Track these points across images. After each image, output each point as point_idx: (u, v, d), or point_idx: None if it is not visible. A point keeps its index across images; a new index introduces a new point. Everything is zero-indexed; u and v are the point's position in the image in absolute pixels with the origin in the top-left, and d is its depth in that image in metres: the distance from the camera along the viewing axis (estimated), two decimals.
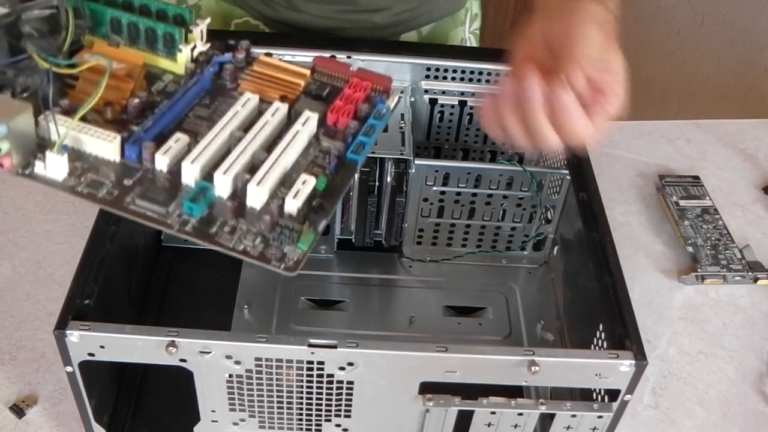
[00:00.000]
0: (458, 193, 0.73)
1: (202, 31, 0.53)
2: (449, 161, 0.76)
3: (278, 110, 0.50)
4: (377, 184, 0.73)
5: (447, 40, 0.91)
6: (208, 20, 0.54)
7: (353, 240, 0.77)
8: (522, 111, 0.54)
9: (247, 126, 0.49)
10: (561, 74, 0.53)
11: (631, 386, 0.54)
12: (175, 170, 0.46)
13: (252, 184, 0.45)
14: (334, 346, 0.52)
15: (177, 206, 0.45)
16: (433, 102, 0.81)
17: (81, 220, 0.80)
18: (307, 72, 0.54)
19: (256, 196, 0.45)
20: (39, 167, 0.46)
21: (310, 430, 0.59)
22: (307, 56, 0.78)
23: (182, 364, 0.53)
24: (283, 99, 0.51)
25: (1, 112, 0.45)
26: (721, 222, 0.86)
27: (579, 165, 0.70)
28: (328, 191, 0.47)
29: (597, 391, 0.59)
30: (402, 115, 0.76)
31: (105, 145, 0.47)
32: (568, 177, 0.71)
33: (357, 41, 0.80)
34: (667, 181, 0.91)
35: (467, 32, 0.94)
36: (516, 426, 0.56)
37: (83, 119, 0.47)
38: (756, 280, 0.81)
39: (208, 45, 0.54)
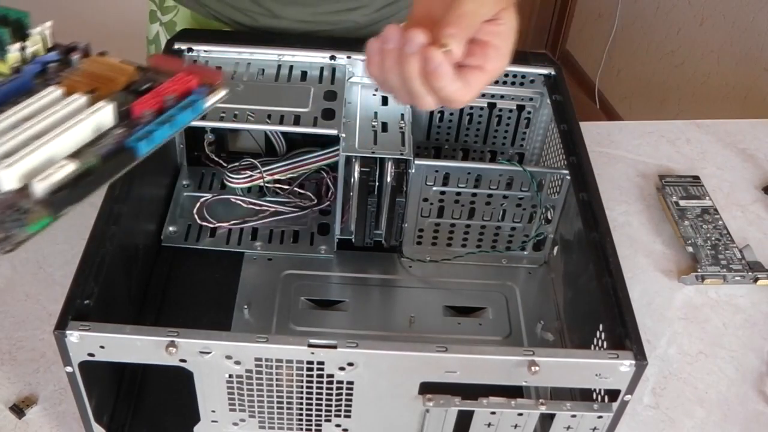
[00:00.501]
0: (458, 193, 0.73)
1: (45, 36, 0.52)
2: (449, 161, 0.76)
3: (75, 101, 0.47)
4: (377, 184, 0.73)
5: None
6: (50, 23, 0.52)
7: (353, 240, 0.77)
8: (400, 68, 0.52)
9: (32, 116, 0.46)
10: (439, 33, 0.51)
11: (631, 386, 0.54)
12: None
13: (2, 165, 0.42)
14: (334, 347, 0.52)
15: None
16: None
17: (81, 220, 0.80)
18: (132, 68, 0.51)
19: (6, 179, 0.42)
20: None
21: (310, 430, 0.59)
22: (306, 56, 0.78)
23: (182, 364, 0.53)
24: (92, 92, 0.48)
25: None
26: (721, 222, 0.86)
27: (579, 165, 0.70)
28: (90, 175, 0.44)
29: (597, 391, 0.59)
30: (402, 115, 0.76)
31: None
32: (568, 177, 0.71)
33: (357, 41, 0.80)
34: (667, 181, 0.91)
35: None
36: (516, 426, 0.56)
37: None
38: (756, 280, 0.81)
39: (40, 45, 0.52)
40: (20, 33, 0.51)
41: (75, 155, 0.45)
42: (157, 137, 0.47)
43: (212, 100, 0.51)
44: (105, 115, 0.47)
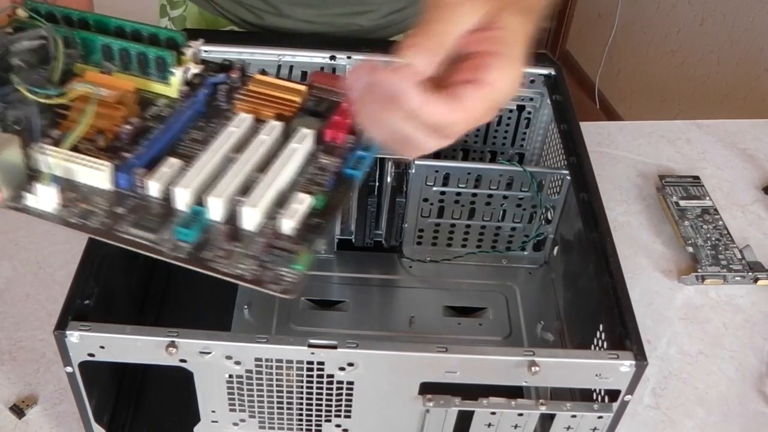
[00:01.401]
0: (458, 194, 0.73)
1: (195, 53, 0.52)
2: (449, 161, 0.76)
3: (274, 129, 0.49)
4: (377, 184, 0.73)
5: None
6: (201, 41, 0.53)
7: (353, 240, 0.77)
8: (372, 108, 0.44)
9: (241, 147, 0.48)
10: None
11: (632, 386, 0.54)
12: (169, 196, 0.46)
13: (246, 206, 0.44)
14: (334, 347, 0.52)
15: (170, 232, 0.44)
16: None
17: None
18: (304, 88, 0.52)
19: (251, 218, 0.44)
20: (30, 199, 0.46)
21: (310, 430, 0.59)
22: (307, 56, 0.78)
23: (182, 365, 0.53)
24: (278, 117, 0.50)
25: None
26: (721, 222, 0.86)
27: (579, 165, 0.70)
28: (325, 209, 0.46)
29: (597, 391, 0.59)
30: None
31: (96, 174, 0.46)
32: (568, 177, 0.71)
33: (357, 41, 0.80)
34: (667, 181, 0.91)
35: None
36: (516, 426, 0.56)
37: (75, 149, 0.47)
38: (756, 280, 0.81)
39: (202, 67, 0.53)
40: (177, 53, 0.52)
41: (293, 187, 0.47)
42: (366, 162, 0.49)
43: None
44: (309, 142, 0.49)
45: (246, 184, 0.46)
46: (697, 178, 0.91)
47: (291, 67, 0.78)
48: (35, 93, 0.48)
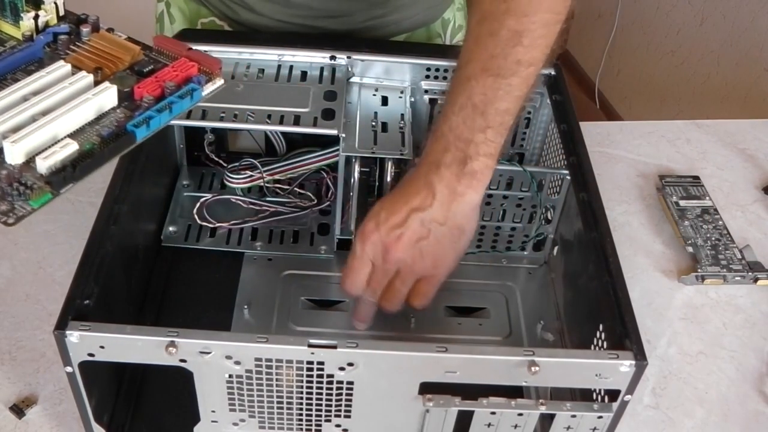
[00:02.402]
0: None
1: (56, 5, 0.52)
2: None
3: (81, 80, 0.48)
4: (377, 184, 0.73)
5: None
6: None
7: (353, 240, 0.77)
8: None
9: (42, 91, 0.47)
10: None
11: (631, 386, 0.54)
12: None
13: (7, 141, 0.43)
14: (334, 347, 0.52)
15: None
16: (433, 102, 0.81)
17: (81, 220, 0.80)
18: (138, 49, 0.52)
19: (11, 154, 0.43)
20: None
21: (310, 430, 0.58)
22: (306, 56, 0.78)
23: (182, 365, 0.53)
24: (97, 70, 0.50)
25: None
26: (721, 222, 0.86)
27: (579, 165, 0.70)
28: (89, 157, 0.45)
29: (597, 391, 0.59)
30: (402, 115, 0.76)
31: None
32: (568, 177, 0.71)
33: (357, 41, 0.80)
34: (667, 181, 0.91)
35: (448, 44, 0.94)
36: (516, 426, 0.56)
37: None
38: (756, 280, 0.81)
39: (52, 16, 0.53)
40: (34, 0, 0.52)
41: (77, 134, 0.46)
42: (154, 124, 0.48)
43: (209, 89, 0.52)
44: (108, 96, 0.48)
45: (26, 124, 0.45)
46: (697, 178, 0.91)
47: (291, 67, 0.78)
48: None
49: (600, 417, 0.56)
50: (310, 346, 0.52)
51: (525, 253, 0.78)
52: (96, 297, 0.56)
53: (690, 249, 0.82)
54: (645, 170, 0.94)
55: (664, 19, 2.07)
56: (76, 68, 0.50)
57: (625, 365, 0.53)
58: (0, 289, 0.74)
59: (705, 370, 0.73)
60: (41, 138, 0.45)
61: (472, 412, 0.55)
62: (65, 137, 0.45)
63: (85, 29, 0.53)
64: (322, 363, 0.53)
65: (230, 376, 0.54)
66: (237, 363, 0.53)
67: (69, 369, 0.53)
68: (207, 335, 0.52)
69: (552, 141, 0.78)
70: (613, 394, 0.56)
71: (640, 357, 0.53)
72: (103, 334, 0.52)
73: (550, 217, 0.75)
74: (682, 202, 0.88)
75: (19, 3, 0.52)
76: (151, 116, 0.47)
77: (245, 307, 0.71)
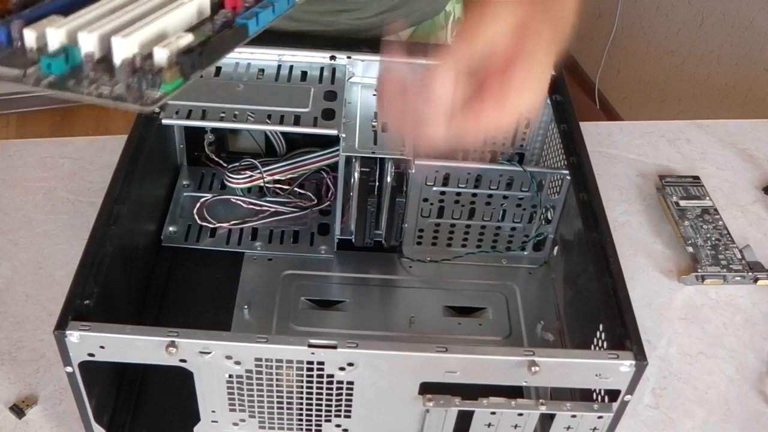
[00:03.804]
0: (458, 194, 0.73)
1: None
2: (449, 161, 0.76)
3: None
4: (377, 184, 0.73)
5: None
6: None
7: (353, 240, 0.77)
8: None
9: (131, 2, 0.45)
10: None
11: (632, 386, 0.54)
12: (45, 46, 0.43)
13: (117, 36, 0.41)
14: (334, 347, 0.52)
15: (37, 67, 0.42)
16: None
17: (81, 220, 0.81)
18: None
19: (122, 49, 0.42)
20: None
21: (310, 430, 0.59)
22: (306, 56, 0.78)
23: (182, 365, 0.53)
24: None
25: None
26: (721, 222, 0.86)
27: (579, 165, 0.70)
28: (208, 46, 0.43)
29: (597, 391, 0.59)
30: None
31: None
32: (568, 177, 0.71)
33: (357, 41, 0.80)
34: (667, 181, 0.91)
35: (449, 37, 0.94)
36: (516, 426, 0.56)
37: None
38: (756, 280, 0.81)
39: None
40: None
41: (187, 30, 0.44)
42: (263, 19, 0.47)
43: None
44: (203, 2, 0.46)
45: (125, 26, 0.43)
46: (697, 178, 0.91)
47: (291, 67, 0.78)
48: None
49: (600, 417, 0.56)
50: (310, 346, 0.52)
51: (525, 253, 0.78)
52: (96, 297, 0.56)
53: (690, 249, 0.82)
54: (645, 170, 0.94)
55: (664, 19, 2.07)
56: None
57: (625, 365, 0.53)
58: (0, 289, 0.74)
59: (705, 370, 0.73)
60: (151, 32, 0.43)
61: (472, 412, 0.55)
62: (180, 34, 0.43)
63: None
64: (322, 363, 0.53)
65: (230, 376, 0.54)
66: (237, 363, 0.53)
67: (69, 369, 0.53)
68: (207, 335, 0.52)
69: (552, 141, 0.78)
70: (613, 394, 0.56)
71: (640, 357, 0.53)
72: (103, 334, 0.52)
73: (550, 217, 0.75)
74: (682, 202, 0.88)
75: None
76: (258, 11, 0.46)
77: (245, 307, 0.71)
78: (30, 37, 0.43)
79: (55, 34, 0.42)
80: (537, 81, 0.54)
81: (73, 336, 0.51)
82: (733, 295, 0.80)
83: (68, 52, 0.42)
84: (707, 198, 0.89)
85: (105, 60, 0.42)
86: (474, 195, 0.73)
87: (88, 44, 0.42)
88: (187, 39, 0.43)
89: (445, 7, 0.91)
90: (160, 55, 0.42)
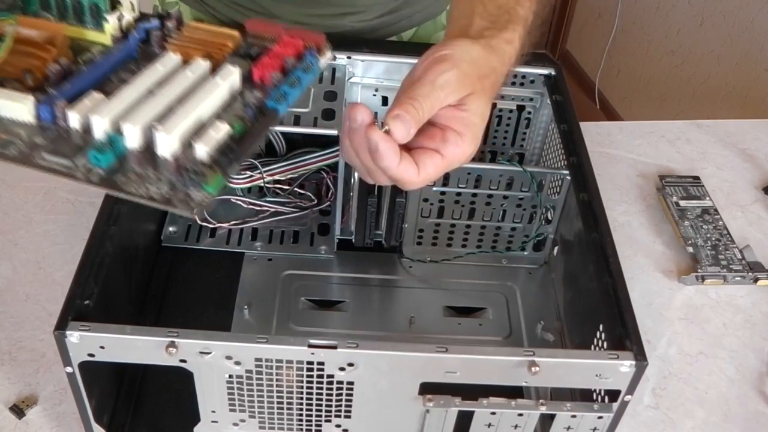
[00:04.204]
0: (458, 194, 0.73)
1: (132, 2, 0.52)
2: None
3: (200, 67, 0.48)
4: (377, 184, 0.73)
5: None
6: None
7: (353, 240, 0.77)
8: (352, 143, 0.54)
9: (164, 82, 0.47)
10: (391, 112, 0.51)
11: (632, 387, 0.54)
12: (88, 127, 0.45)
13: (160, 131, 0.43)
14: (334, 347, 0.52)
15: (85, 158, 0.44)
16: None
17: (81, 220, 0.80)
18: (237, 34, 0.52)
19: (165, 144, 0.43)
20: None
21: (310, 430, 0.59)
22: None
23: (182, 365, 0.53)
24: (207, 58, 0.49)
25: None
26: (721, 222, 0.86)
27: (579, 165, 0.70)
28: (243, 137, 0.45)
29: (597, 391, 0.59)
30: None
31: (18, 107, 0.45)
32: (568, 177, 0.71)
33: (357, 41, 0.80)
34: (667, 181, 0.91)
35: None
36: (516, 426, 0.56)
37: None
38: (756, 280, 0.81)
39: (136, 15, 0.52)
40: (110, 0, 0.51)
41: (219, 118, 0.46)
42: (291, 98, 0.48)
43: (323, 61, 0.52)
44: (235, 79, 0.48)
45: (165, 114, 0.45)
46: (697, 178, 0.91)
47: None
48: None
49: (600, 417, 0.56)
50: (310, 346, 0.52)
51: (525, 253, 0.78)
52: (96, 297, 0.56)
53: (690, 249, 0.82)
54: (645, 170, 0.94)
55: (664, 19, 2.07)
56: (185, 60, 0.49)
57: (625, 365, 0.53)
58: (0, 289, 0.74)
59: (705, 371, 0.73)
60: (188, 124, 0.45)
61: (472, 413, 0.55)
62: (215, 122, 0.45)
63: (169, 23, 0.52)
64: (322, 363, 0.53)
65: (230, 376, 0.54)
66: (237, 363, 0.53)
67: (69, 369, 0.53)
68: (207, 335, 0.52)
69: (552, 141, 0.79)
70: (613, 395, 0.56)
71: (641, 357, 0.53)
72: (103, 334, 0.52)
73: (550, 218, 0.75)
74: (682, 203, 0.88)
75: (102, 4, 0.50)
76: (286, 91, 0.48)
77: (245, 307, 0.71)
78: (74, 119, 0.45)
79: (99, 122, 0.44)
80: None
81: (73, 336, 0.51)
82: (733, 295, 0.80)
83: (114, 143, 0.43)
84: (707, 198, 0.89)
85: (148, 149, 0.44)
86: (474, 195, 0.73)
87: (133, 137, 0.44)
88: (224, 131, 0.44)
89: (446, 8, 0.91)
90: (201, 152, 0.43)
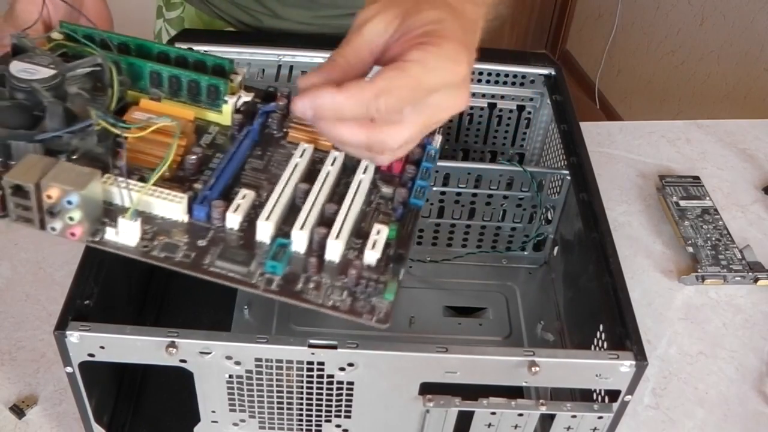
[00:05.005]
0: (458, 194, 0.73)
1: (241, 81, 0.53)
2: (449, 161, 0.76)
3: (336, 159, 0.51)
4: None
5: None
6: (245, 70, 0.53)
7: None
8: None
9: (307, 177, 0.50)
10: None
11: (632, 387, 0.54)
12: (245, 227, 0.47)
13: (330, 239, 0.46)
14: (334, 347, 0.52)
15: (258, 265, 0.45)
16: None
17: None
18: None
19: (335, 250, 0.46)
20: (110, 233, 0.45)
21: (311, 430, 0.58)
22: (307, 56, 0.78)
23: (182, 365, 0.53)
24: (336, 147, 0.51)
25: (69, 179, 0.43)
26: (721, 222, 0.86)
27: (579, 165, 0.70)
28: (398, 238, 0.48)
29: (597, 391, 0.59)
30: None
31: (172, 207, 0.46)
32: (568, 177, 0.71)
33: None
34: (667, 181, 0.91)
35: None
36: (516, 426, 0.56)
37: (141, 180, 0.47)
38: (756, 280, 0.81)
39: (252, 94, 0.53)
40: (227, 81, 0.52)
41: (374, 218, 0.49)
42: (426, 191, 0.52)
43: (437, 144, 0.54)
44: (371, 172, 0.51)
45: (321, 215, 0.48)
46: (697, 178, 0.91)
47: (291, 67, 0.78)
48: (116, 126, 0.47)
49: (600, 417, 0.56)
50: (311, 346, 0.52)
51: (525, 253, 0.78)
52: (96, 297, 0.56)
53: (690, 249, 0.82)
54: (645, 170, 0.94)
55: (664, 19, 2.07)
56: (317, 148, 0.52)
57: (626, 365, 0.53)
58: (0, 289, 0.74)
59: (705, 371, 0.73)
60: (349, 228, 0.47)
61: (472, 413, 0.55)
62: (376, 225, 0.48)
63: (281, 102, 0.54)
64: (322, 363, 0.53)
65: (230, 376, 0.54)
66: (237, 363, 0.53)
67: (69, 369, 0.53)
68: (207, 335, 0.52)
69: (552, 141, 0.79)
70: (613, 395, 0.56)
71: (641, 357, 0.53)
72: (103, 334, 0.51)
73: (550, 218, 0.75)
74: (682, 202, 0.88)
75: (222, 86, 0.51)
76: (423, 186, 0.51)
77: (245, 307, 0.71)
78: (234, 221, 0.46)
79: (266, 227, 0.46)
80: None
81: (73, 336, 0.51)
82: (733, 295, 0.80)
83: (285, 250, 0.45)
84: (707, 198, 0.89)
85: (311, 253, 0.46)
86: (474, 195, 0.73)
87: (302, 242, 0.46)
88: (384, 233, 0.47)
89: None
90: (371, 258, 0.46)
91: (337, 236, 0.46)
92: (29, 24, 0.52)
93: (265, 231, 0.46)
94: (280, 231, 0.47)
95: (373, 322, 0.44)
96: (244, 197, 0.47)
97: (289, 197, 0.48)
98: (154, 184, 0.46)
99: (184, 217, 0.47)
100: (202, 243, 0.46)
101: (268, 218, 0.46)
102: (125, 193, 0.45)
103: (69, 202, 0.43)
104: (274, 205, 0.47)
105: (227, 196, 0.48)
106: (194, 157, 0.49)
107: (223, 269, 0.45)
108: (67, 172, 0.43)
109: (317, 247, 0.47)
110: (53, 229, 0.44)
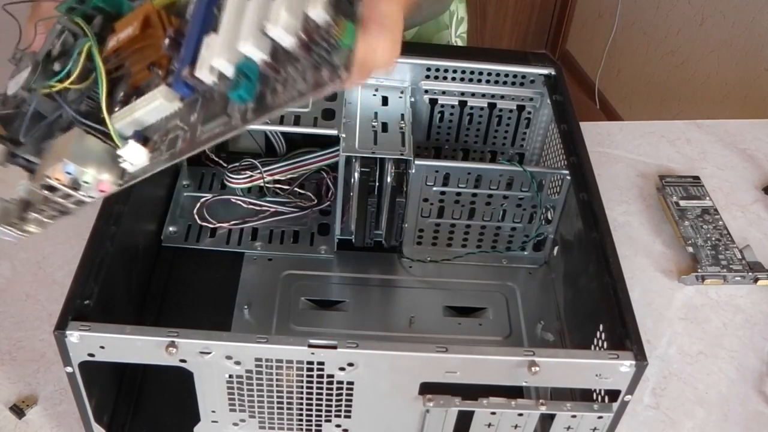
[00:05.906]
0: (458, 194, 0.73)
1: None
2: (449, 161, 0.76)
3: None
4: (377, 184, 0.73)
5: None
6: None
7: (353, 240, 0.77)
8: None
9: None
10: None
11: (632, 387, 0.54)
12: (221, 74, 0.43)
13: (271, 25, 0.40)
14: (334, 347, 0.52)
15: (233, 104, 0.43)
16: (433, 102, 0.81)
17: (81, 220, 0.80)
18: None
19: (283, 35, 0.40)
20: (128, 167, 0.45)
21: (310, 430, 0.59)
22: None
23: (182, 365, 0.53)
24: None
25: (55, 155, 0.44)
26: (721, 222, 0.86)
27: (579, 165, 0.70)
28: None
29: (597, 391, 0.59)
30: (402, 115, 0.76)
31: (158, 103, 0.45)
32: (568, 177, 0.71)
33: None
34: (667, 181, 0.91)
35: (453, 36, 0.94)
36: (516, 426, 0.56)
37: (140, 94, 0.45)
38: (756, 280, 0.81)
39: None
40: None
41: None
42: None
43: None
44: None
45: (266, 11, 0.42)
46: (697, 178, 0.91)
47: None
48: (52, 85, 0.46)
49: (600, 417, 0.56)
50: (310, 346, 0.52)
51: (525, 253, 0.78)
52: (96, 297, 0.56)
53: (690, 249, 0.82)
54: (645, 170, 0.94)
55: (664, 19, 2.07)
56: None
57: (625, 365, 0.53)
58: (0, 289, 0.74)
59: (705, 371, 0.73)
60: (284, 5, 0.41)
61: (472, 413, 0.55)
62: None
63: None
64: (322, 363, 0.53)
65: (230, 376, 0.54)
66: (237, 363, 0.53)
67: (69, 369, 0.53)
68: (207, 335, 0.52)
69: (552, 141, 0.79)
70: (613, 395, 0.56)
71: (641, 357, 0.53)
72: (103, 334, 0.52)
73: (550, 218, 0.75)
74: (682, 202, 0.88)
75: None
76: None
77: (245, 307, 0.71)
78: (205, 76, 0.43)
79: (222, 63, 0.42)
80: None
81: (73, 336, 0.51)
82: (733, 295, 0.80)
83: (247, 70, 0.41)
84: (707, 198, 0.89)
85: (276, 56, 0.41)
86: (474, 195, 0.73)
87: (256, 52, 0.41)
88: None
89: (448, 8, 0.91)
90: (317, 13, 0.40)
91: (277, 20, 0.40)
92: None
93: (224, 66, 0.42)
94: (237, 55, 0.42)
95: (335, 84, 0.39)
96: (207, 45, 0.43)
97: (236, 16, 0.43)
98: (144, 92, 0.45)
99: (176, 104, 0.45)
100: (194, 118, 0.44)
101: (218, 54, 0.42)
102: (111, 128, 0.45)
103: (69, 173, 0.43)
104: (222, 37, 0.43)
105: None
106: (166, 40, 0.45)
107: (210, 130, 0.43)
108: (58, 148, 0.44)
109: (268, 47, 0.42)
110: (90, 197, 0.45)
